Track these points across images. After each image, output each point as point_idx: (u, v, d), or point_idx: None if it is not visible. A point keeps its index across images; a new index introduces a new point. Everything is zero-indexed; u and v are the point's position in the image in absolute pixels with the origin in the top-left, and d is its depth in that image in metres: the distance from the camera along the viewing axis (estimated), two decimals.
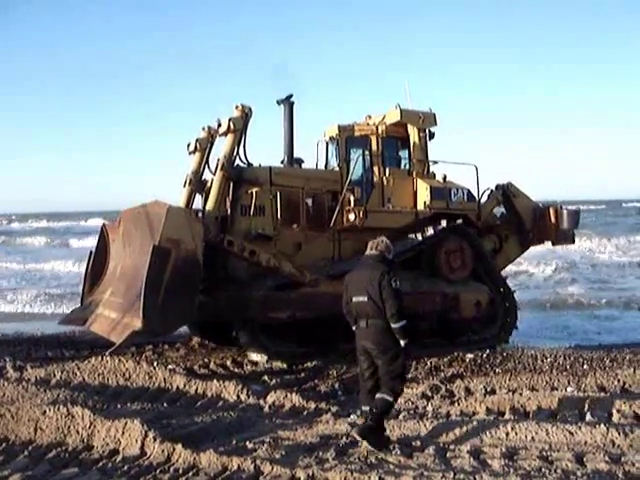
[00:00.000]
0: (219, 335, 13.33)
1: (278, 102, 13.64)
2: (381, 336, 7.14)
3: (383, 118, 14.11)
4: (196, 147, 13.48)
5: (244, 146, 12.52)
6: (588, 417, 8.16)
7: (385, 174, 13.64)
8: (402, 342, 7.11)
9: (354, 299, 7.31)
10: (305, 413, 8.70)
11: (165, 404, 9.12)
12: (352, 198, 12.94)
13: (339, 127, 13.76)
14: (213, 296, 11.37)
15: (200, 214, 11.42)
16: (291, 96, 13.56)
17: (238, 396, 9.32)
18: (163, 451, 6.76)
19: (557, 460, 6.61)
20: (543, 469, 6.37)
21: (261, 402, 9.12)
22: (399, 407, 8.94)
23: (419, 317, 12.29)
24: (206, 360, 12.08)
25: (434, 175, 14.13)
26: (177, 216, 10.49)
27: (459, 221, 14.31)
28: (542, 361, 11.40)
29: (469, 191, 14.17)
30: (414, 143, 13.93)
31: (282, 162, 13.81)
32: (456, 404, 9.08)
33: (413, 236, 14.64)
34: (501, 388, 9.92)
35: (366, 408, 7.37)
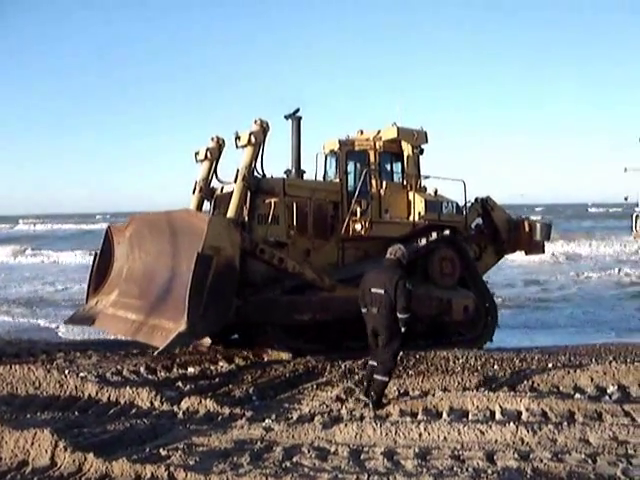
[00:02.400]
0: (223, 336, 13.77)
1: (286, 117, 14.09)
2: (387, 321, 8.98)
3: (378, 133, 14.90)
4: (206, 156, 13.91)
5: (261, 158, 12.97)
6: (498, 416, 8.38)
7: (382, 187, 14.37)
8: (402, 329, 8.99)
9: (372, 290, 9.06)
10: (219, 418, 8.64)
11: (76, 413, 8.92)
12: (359, 209, 13.55)
13: (340, 142, 14.50)
14: (243, 299, 11.75)
15: (237, 224, 11.82)
16: (298, 110, 14.03)
17: (152, 403, 9.20)
18: (74, 461, 6.61)
19: (468, 459, 6.78)
20: (455, 468, 6.51)
21: (175, 408, 9.01)
22: (313, 410, 9.01)
23: (416, 319, 12.67)
24: (119, 367, 11.85)
25: (425, 189, 15.00)
26: (218, 225, 11.18)
27: (447, 232, 14.93)
28: (454, 362, 11.61)
29: (457, 204, 15.14)
30: (408, 158, 14.72)
31: (285, 172, 14.29)
32: (370, 406, 9.19)
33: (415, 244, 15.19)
34: (414, 390, 10.06)
35: (373, 362, 9.36)
